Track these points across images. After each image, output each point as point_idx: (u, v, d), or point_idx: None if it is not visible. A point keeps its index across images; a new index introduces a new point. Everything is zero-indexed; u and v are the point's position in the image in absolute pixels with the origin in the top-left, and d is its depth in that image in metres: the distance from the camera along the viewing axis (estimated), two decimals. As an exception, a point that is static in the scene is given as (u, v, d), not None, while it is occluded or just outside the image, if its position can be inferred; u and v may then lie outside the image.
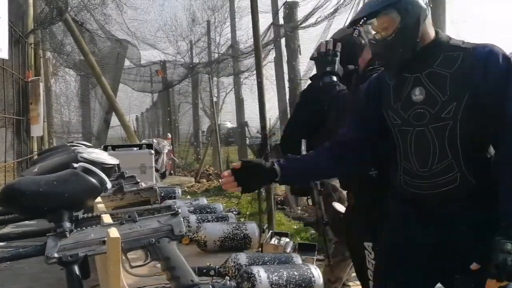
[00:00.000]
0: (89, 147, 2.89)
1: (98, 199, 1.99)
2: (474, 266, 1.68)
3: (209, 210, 2.67)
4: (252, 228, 2.27)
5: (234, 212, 2.99)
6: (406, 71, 1.82)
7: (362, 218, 2.24)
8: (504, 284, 1.60)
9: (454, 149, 1.75)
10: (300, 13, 8.07)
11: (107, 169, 1.89)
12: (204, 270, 1.71)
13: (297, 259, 1.74)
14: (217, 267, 1.72)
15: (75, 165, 1.65)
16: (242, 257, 1.73)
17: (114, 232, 1.35)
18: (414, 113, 1.80)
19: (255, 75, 7.05)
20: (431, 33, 1.80)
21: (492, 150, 1.78)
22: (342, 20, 6.85)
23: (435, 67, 1.78)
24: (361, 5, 6.37)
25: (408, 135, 1.83)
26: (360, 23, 1.82)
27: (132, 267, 1.57)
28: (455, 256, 1.76)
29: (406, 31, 1.76)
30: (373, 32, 1.81)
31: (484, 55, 1.72)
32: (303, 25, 7.67)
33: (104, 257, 1.49)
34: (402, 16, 1.74)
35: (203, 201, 2.94)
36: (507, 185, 1.66)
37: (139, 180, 2.63)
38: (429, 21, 1.79)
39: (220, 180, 1.82)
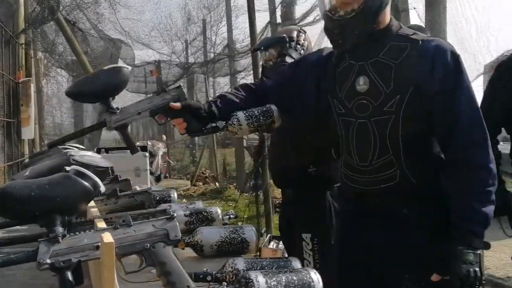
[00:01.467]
0: (82, 149, 2.82)
1: (92, 203, 1.91)
2: (435, 277, 1.63)
3: (205, 214, 2.63)
4: (249, 232, 2.21)
5: (231, 216, 2.88)
6: (352, 58, 1.73)
7: (300, 212, 2.41)
8: None
9: (395, 145, 1.67)
10: (298, 12, 8.00)
11: (100, 172, 1.84)
12: (201, 276, 1.66)
13: (296, 263, 1.68)
14: (214, 272, 1.67)
15: (68, 168, 1.58)
16: (240, 262, 1.67)
17: (108, 237, 1.31)
18: (357, 103, 1.72)
19: (252, 75, 6.95)
20: (386, 21, 1.71)
21: (437, 150, 1.71)
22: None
23: (381, 56, 1.68)
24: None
25: (351, 127, 1.74)
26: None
27: (126, 273, 1.50)
28: (400, 256, 1.69)
29: (368, 12, 1.65)
30: (333, 4, 1.69)
31: (432, 51, 1.63)
32: (301, 23, 7.59)
33: (98, 262, 1.43)
34: None
35: (199, 205, 2.90)
36: (459, 189, 1.62)
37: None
38: (388, 9, 1.71)
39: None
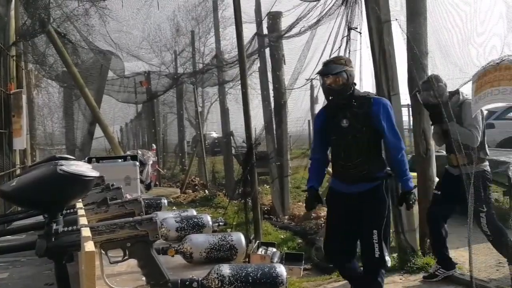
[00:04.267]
0: (71, 160, 2.87)
1: (82, 211, 1.99)
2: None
3: (196, 220, 2.70)
4: (238, 238, 2.28)
5: (220, 223, 2.99)
6: (339, 110, 3.74)
7: None
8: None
9: (365, 151, 3.70)
10: (284, 23, 8.13)
11: (87, 182, 1.91)
12: (187, 283, 1.73)
13: (281, 269, 1.73)
14: (200, 279, 1.73)
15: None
16: (225, 269, 1.73)
17: (90, 246, 1.34)
18: (343, 132, 3.72)
19: (239, 85, 7.07)
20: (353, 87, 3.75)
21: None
22: (325, 31, 6.90)
23: (353, 108, 3.69)
24: (340, 18, 6.44)
25: (340, 144, 3.76)
26: (328, 74, 3.68)
27: (111, 262, 1.71)
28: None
29: (347, 85, 3.67)
30: (330, 82, 3.67)
31: (377, 104, 3.68)
32: (287, 35, 7.72)
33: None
34: (347, 77, 3.65)
35: (192, 212, 2.95)
36: (399, 173, 3.80)
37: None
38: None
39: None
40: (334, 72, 3.59)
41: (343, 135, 3.68)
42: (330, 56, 6.37)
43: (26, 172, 2.28)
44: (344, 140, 3.69)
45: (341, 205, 3.75)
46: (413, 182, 3.83)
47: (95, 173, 1.95)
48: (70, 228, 1.74)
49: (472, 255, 4.45)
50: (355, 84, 3.71)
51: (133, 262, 2.26)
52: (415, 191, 3.89)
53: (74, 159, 3.20)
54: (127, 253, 1.75)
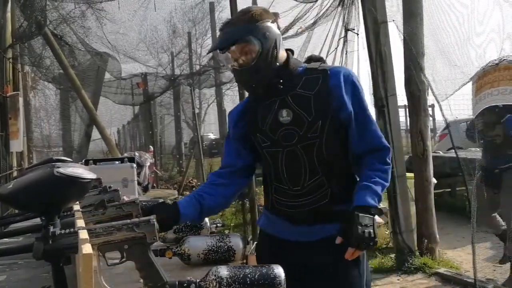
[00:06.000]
0: (69, 162, 2.88)
1: (79, 214, 2.02)
2: (338, 240, 1.87)
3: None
4: (236, 240, 2.26)
5: (218, 224, 2.99)
6: (273, 95, 1.96)
7: None
8: (361, 252, 1.86)
9: (323, 166, 1.92)
10: (281, 25, 8.10)
11: (84, 184, 1.88)
12: (185, 284, 1.71)
13: (279, 270, 1.70)
14: (197, 280, 1.72)
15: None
16: (223, 270, 1.71)
17: (87, 248, 1.31)
18: (283, 133, 1.95)
19: (237, 86, 7.06)
20: (285, 55, 1.97)
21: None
22: (322, 32, 6.91)
23: (298, 89, 1.94)
24: (337, 19, 6.43)
25: (279, 156, 1.97)
26: (221, 51, 1.91)
27: (108, 265, 1.72)
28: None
29: (267, 55, 1.87)
30: (235, 59, 1.90)
31: (337, 75, 1.92)
32: (284, 36, 7.71)
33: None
34: (262, 42, 1.87)
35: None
36: (361, 187, 1.91)
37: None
38: (282, 45, 1.96)
39: None
40: (235, 39, 1.89)
41: (284, 138, 1.95)
42: (326, 57, 6.38)
43: (23, 175, 2.28)
44: (287, 148, 1.95)
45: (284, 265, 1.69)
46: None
47: (92, 175, 1.91)
48: (67, 230, 1.75)
49: (475, 255, 4.45)
50: (291, 51, 2.05)
51: (130, 264, 2.26)
52: (377, 219, 1.96)
53: (71, 161, 3.20)
54: (124, 255, 1.74)
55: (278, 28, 1.99)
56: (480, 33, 5.06)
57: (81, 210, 2.13)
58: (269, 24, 1.92)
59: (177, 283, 1.72)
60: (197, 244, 2.22)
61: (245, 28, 1.88)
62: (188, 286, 1.72)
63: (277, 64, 1.92)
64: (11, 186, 1.85)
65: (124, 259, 1.76)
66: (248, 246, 5.00)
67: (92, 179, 1.95)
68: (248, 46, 1.87)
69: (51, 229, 1.75)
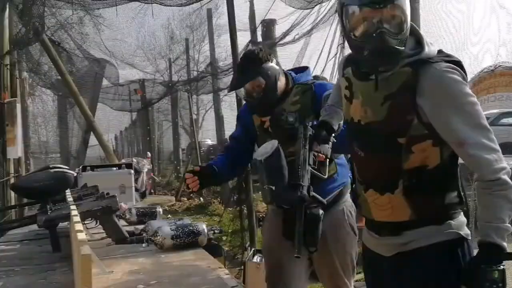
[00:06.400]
0: (64, 169, 3.17)
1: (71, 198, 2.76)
2: None
3: (191, 228, 2.75)
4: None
5: (216, 231, 3.00)
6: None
7: None
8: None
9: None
10: (278, 31, 8.15)
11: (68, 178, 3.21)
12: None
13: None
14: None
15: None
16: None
17: (86, 249, 1.33)
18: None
19: (234, 92, 7.06)
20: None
21: None
22: (319, 38, 6.94)
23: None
24: (334, 25, 6.46)
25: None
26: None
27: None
28: None
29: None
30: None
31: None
32: (281, 42, 7.75)
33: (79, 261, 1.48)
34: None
35: (187, 221, 3.04)
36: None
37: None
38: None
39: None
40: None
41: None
42: (325, 63, 6.41)
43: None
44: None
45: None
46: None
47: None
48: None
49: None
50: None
51: (128, 269, 2.26)
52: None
53: (67, 169, 3.28)
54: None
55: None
56: (476, 43, 5.09)
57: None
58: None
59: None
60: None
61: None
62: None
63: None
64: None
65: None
66: (246, 252, 5.00)
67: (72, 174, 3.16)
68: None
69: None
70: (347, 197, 2.53)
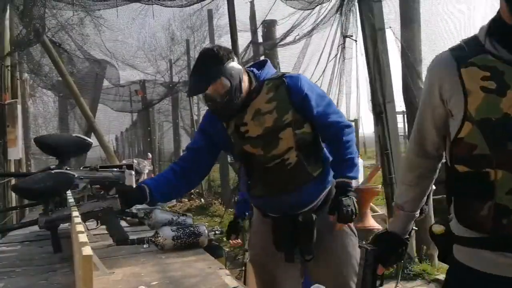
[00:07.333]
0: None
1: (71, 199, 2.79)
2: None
3: (192, 229, 2.78)
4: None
5: (217, 232, 3.00)
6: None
7: None
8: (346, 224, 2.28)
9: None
10: (279, 32, 8.16)
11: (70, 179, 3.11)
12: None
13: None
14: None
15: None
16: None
17: (87, 250, 1.33)
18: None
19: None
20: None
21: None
22: (320, 39, 6.94)
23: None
24: (335, 26, 6.45)
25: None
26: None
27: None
28: None
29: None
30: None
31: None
32: (282, 43, 7.75)
33: (79, 263, 1.48)
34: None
35: (189, 220, 3.06)
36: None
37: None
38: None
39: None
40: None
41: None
42: (326, 64, 6.40)
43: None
44: None
45: None
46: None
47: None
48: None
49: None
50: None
51: (129, 270, 2.26)
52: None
53: (68, 169, 3.30)
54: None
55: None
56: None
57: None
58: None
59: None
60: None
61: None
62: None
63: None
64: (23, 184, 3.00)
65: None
66: (247, 254, 4.99)
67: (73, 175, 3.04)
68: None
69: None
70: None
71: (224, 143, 2.33)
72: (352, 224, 2.36)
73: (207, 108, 2.45)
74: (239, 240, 3.33)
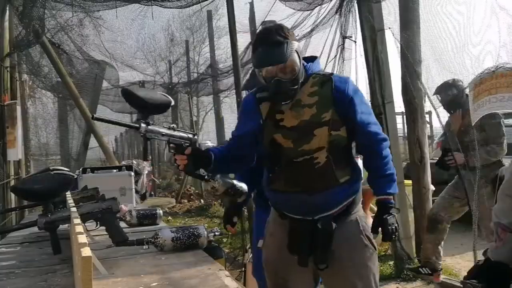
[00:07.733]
0: (65, 171, 3.19)
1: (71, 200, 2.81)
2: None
3: (191, 230, 2.77)
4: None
5: (216, 233, 3.00)
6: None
7: None
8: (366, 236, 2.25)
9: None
10: (278, 32, 8.12)
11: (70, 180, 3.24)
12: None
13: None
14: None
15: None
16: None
17: (86, 251, 1.32)
18: None
19: (234, 94, 7.08)
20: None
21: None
22: (319, 40, 6.94)
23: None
24: (334, 27, 6.45)
25: None
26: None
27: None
28: None
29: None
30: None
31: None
32: (281, 43, 7.71)
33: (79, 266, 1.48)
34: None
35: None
36: None
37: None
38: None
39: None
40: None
41: None
42: (326, 65, 6.40)
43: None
44: None
45: None
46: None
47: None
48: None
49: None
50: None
51: (128, 271, 2.26)
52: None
53: (68, 171, 3.28)
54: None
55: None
56: (477, 43, 5.08)
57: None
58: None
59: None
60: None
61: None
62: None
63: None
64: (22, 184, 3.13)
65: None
66: (246, 254, 4.99)
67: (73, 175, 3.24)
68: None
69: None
70: (360, 206, 2.28)
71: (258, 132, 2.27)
72: (371, 236, 2.27)
73: (248, 93, 2.46)
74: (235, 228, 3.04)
